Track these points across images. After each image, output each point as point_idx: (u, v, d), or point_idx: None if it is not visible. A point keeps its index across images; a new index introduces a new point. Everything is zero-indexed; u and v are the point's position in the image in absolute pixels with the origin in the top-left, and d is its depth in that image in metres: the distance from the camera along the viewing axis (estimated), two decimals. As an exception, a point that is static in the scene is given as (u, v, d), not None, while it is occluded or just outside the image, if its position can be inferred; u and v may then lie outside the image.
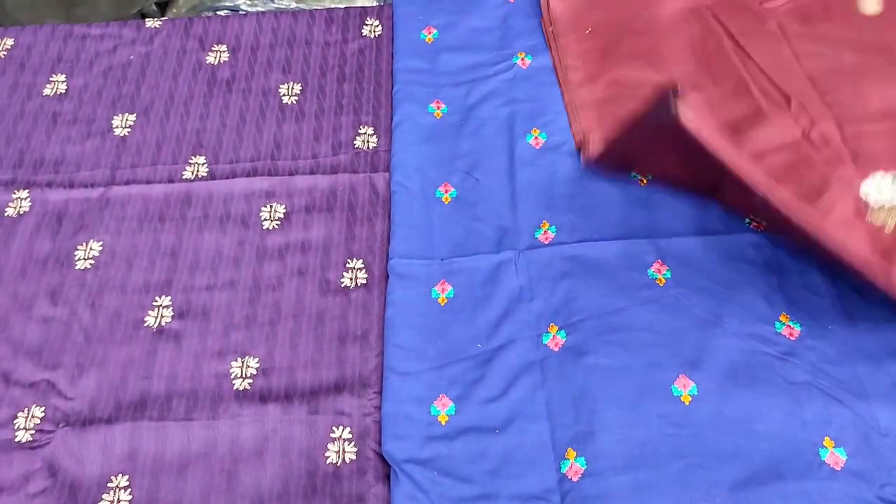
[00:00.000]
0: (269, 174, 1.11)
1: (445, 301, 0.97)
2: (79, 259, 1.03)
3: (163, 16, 1.39)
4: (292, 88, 1.21)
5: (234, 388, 0.92)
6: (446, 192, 1.07)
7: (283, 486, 0.84)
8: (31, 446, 0.88)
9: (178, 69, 1.24)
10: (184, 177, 1.11)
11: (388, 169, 1.11)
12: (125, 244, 1.04)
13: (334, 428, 0.88)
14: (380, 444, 0.86)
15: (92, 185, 1.10)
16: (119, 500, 0.84)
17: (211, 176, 1.11)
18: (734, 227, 1.00)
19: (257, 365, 0.93)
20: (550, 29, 1.22)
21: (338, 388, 0.91)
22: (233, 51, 1.26)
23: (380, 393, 0.90)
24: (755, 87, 1.11)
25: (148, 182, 1.11)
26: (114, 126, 1.17)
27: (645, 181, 1.05)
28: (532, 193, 1.05)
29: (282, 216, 1.07)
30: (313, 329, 0.96)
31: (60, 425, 0.89)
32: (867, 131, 1.02)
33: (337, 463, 0.86)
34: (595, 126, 1.10)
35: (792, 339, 0.90)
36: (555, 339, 0.92)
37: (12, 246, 1.05)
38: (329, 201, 1.08)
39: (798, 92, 1.08)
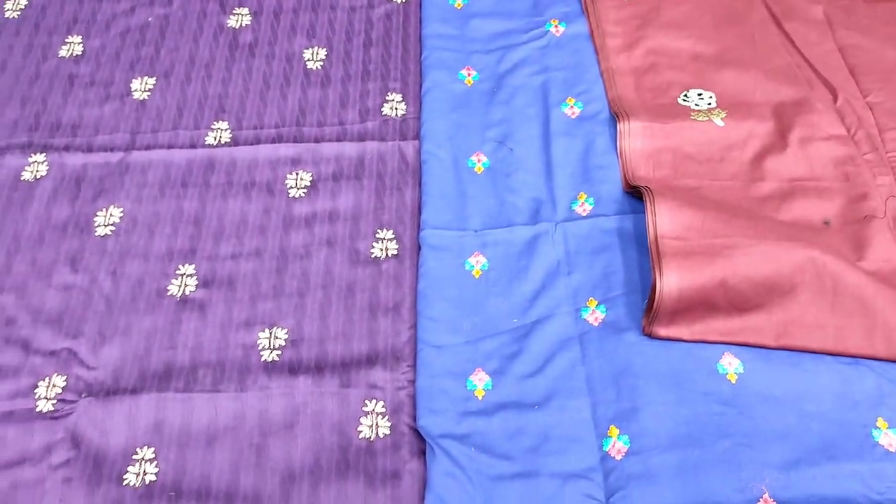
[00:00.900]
0: (295, 141, 1.07)
1: (480, 273, 0.93)
2: (98, 225, 0.99)
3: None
4: (317, 53, 1.17)
5: (262, 359, 0.88)
6: (479, 161, 1.03)
7: (314, 460, 0.81)
8: (52, 416, 0.85)
9: (198, 32, 1.20)
10: (206, 142, 1.07)
11: (417, 137, 1.07)
12: (147, 210, 1.01)
13: (367, 402, 0.85)
14: (414, 418, 0.83)
15: (111, 150, 1.06)
16: (145, 473, 0.81)
17: (234, 142, 1.07)
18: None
19: (286, 336, 0.90)
20: (588, -6, 1.18)
21: (370, 360, 0.88)
22: (255, 14, 1.22)
23: (413, 366, 0.87)
24: (801, 75, 1.07)
25: (169, 147, 1.07)
26: (133, 89, 1.13)
27: None
28: (568, 164, 1.02)
29: (308, 184, 1.03)
30: (343, 300, 0.93)
31: (83, 395, 0.86)
32: None
33: (370, 437, 0.83)
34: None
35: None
36: (594, 313, 0.89)
37: (29, 211, 1.01)
38: (357, 170, 1.04)
39: (842, 88, 1.04)
